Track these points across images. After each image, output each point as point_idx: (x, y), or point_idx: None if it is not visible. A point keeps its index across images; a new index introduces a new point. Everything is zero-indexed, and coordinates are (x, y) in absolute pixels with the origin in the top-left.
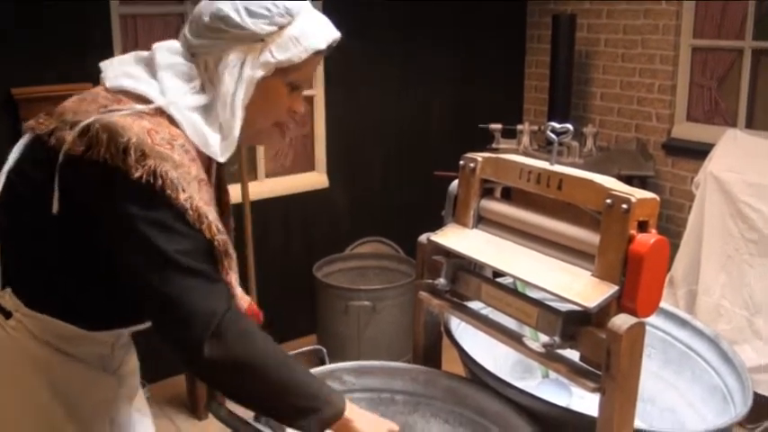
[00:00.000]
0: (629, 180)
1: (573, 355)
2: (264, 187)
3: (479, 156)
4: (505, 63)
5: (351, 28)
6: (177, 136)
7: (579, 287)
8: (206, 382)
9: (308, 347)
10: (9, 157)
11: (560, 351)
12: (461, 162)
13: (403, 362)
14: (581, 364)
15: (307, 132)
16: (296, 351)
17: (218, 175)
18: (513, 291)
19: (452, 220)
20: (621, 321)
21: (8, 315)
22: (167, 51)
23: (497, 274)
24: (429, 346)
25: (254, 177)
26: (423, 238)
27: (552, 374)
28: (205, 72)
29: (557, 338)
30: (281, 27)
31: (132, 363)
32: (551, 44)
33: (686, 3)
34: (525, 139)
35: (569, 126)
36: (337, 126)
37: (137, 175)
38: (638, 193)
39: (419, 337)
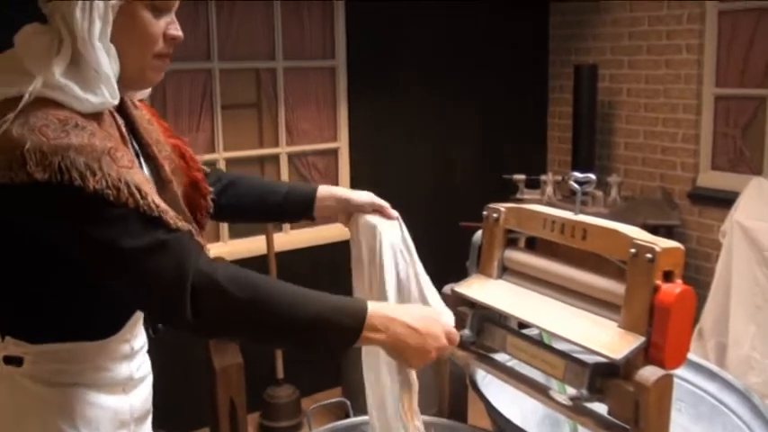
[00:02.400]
0: (654, 230)
1: (601, 408)
2: (290, 239)
3: (503, 206)
4: (528, 114)
5: (376, 80)
6: (67, 118)
7: (605, 338)
8: (215, 338)
9: (333, 400)
10: None
11: (588, 404)
12: (485, 212)
13: (428, 415)
14: (609, 417)
15: (331, 185)
16: (320, 404)
17: (135, 128)
18: (539, 342)
19: (477, 271)
20: (649, 373)
21: (19, 362)
22: (22, 38)
23: (522, 324)
24: (455, 398)
25: (280, 229)
26: (447, 288)
27: (581, 428)
28: (63, 24)
29: (584, 391)
30: None
31: (145, 384)
32: (574, 94)
33: (707, 52)
34: (549, 190)
35: (592, 176)
36: (362, 177)
37: (44, 176)
38: (662, 243)
39: (444, 390)
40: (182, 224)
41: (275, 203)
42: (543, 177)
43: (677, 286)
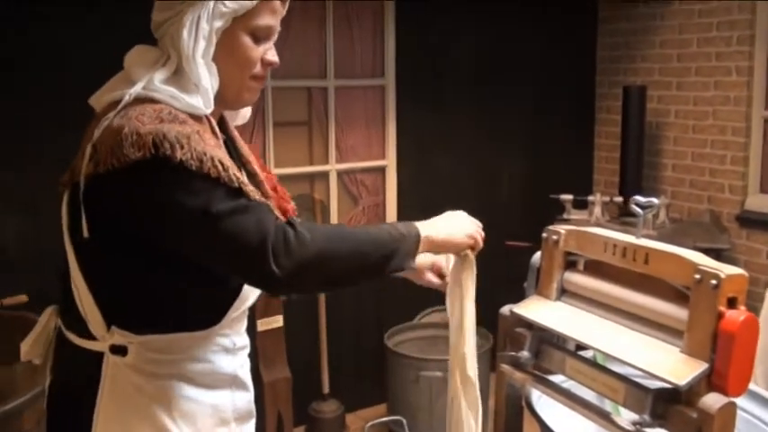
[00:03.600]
0: (704, 253)
1: None
2: None
3: (562, 228)
4: (575, 134)
5: (424, 99)
6: (162, 109)
7: (668, 364)
8: (300, 293)
9: (389, 418)
10: (63, 219)
11: (649, 430)
12: (544, 234)
13: None
14: None
15: (378, 201)
16: (376, 421)
17: (235, 144)
18: (598, 365)
19: (535, 292)
20: (713, 401)
21: (124, 351)
22: (130, 55)
23: (579, 347)
24: (510, 419)
25: None
26: (505, 309)
27: None
28: (171, 45)
29: (646, 416)
30: None
31: (245, 389)
32: (622, 115)
33: (757, 74)
34: (597, 210)
35: (655, 200)
36: (408, 195)
37: (138, 155)
38: (726, 269)
39: (500, 411)
40: (260, 198)
41: None
42: (591, 198)
43: (741, 313)
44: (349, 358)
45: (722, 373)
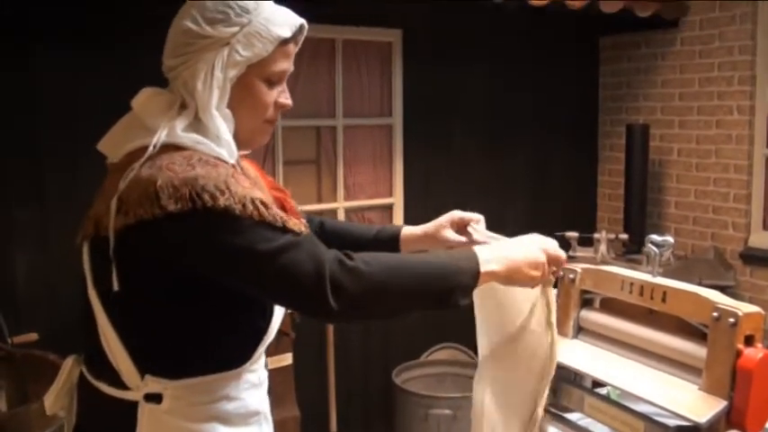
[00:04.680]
0: None
1: None
2: None
3: (579, 266)
4: (579, 171)
5: (430, 138)
6: (190, 155)
7: (688, 401)
8: (356, 321)
9: None
10: (85, 273)
11: None
12: (560, 272)
13: None
14: None
15: None
16: None
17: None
18: (617, 403)
19: None
20: None
21: (159, 398)
22: (139, 99)
23: (596, 384)
24: None
25: None
26: None
27: None
28: (185, 89)
29: None
30: (242, 26)
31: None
32: (625, 153)
33: (758, 114)
34: (602, 248)
35: (670, 239)
36: None
37: (177, 207)
38: (744, 307)
39: None
40: (305, 229)
41: (367, 241)
42: (596, 235)
43: (759, 351)
44: (357, 396)
45: (741, 410)
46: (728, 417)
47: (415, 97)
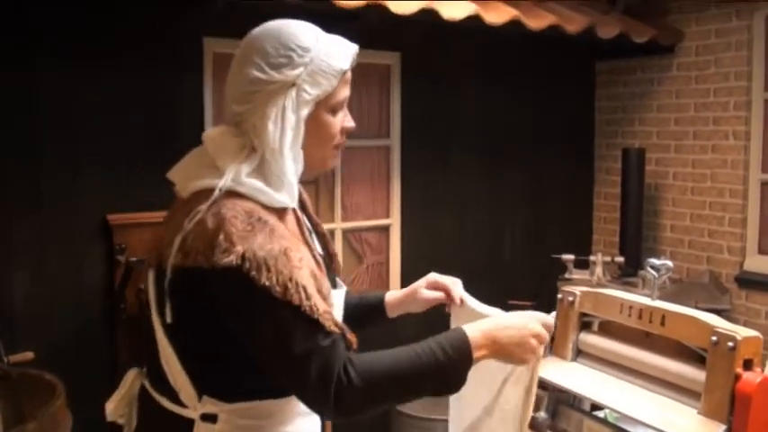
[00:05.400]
0: None
1: None
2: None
3: (578, 289)
4: (575, 194)
5: (428, 160)
6: (252, 211)
7: (686, 425)
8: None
9: None
10: (150, 296)
11: None
12: (559, 295)
13: None
14: None
15: (382, 259)
16: None
17: (305, 211)
18: (615, 426)
19: (550, 353)
20: None
21: (214, 419)
22: (214, 139)
23: (594, 407)
24: None
25: None
26: None
27: None
28: (253, 133)
29: None
30: (306, 65)
31: None
32: (621, 177)
33: (753, 139)
34: (598, 270)
35: (669, 263)
36: (412, 253)
37: (227, 260)
38: (742, 331)
39: None
40: (336, 327)
41: (353, 308)
42: (592, 258)
43: (758, 375)
44: (354, 418)
45: None
46: None
47: (413, 119)
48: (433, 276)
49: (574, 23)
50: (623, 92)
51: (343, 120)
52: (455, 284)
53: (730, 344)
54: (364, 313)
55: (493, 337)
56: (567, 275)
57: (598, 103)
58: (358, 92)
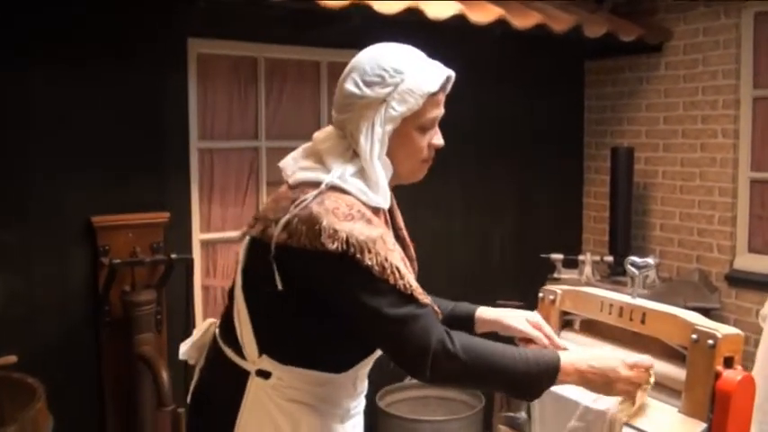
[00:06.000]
0: None
1: None
2: None
3: (559, 288)
4: (564, 194)
5: None
6: (352, 204)
7: (667, 423)
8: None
9: None
10: (240, 258)
11: None
12: (540, 294)
13: None
14: None
15: None
16: None
17: (393, 214)
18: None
19: None
20: None
21: (267, 375)
22: (322, 138)
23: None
24: None
25: None
26: None
27: None
28: (351, 139)
29: None
30: (396, 85)
31: (359, 417)
32: (611, 176)
33: (742, 137)
34: (587, 270)
35: (650, 261)
36: None
37: (333, 247)
38: (723, 329)
39: None
40: (428, 300)
41: (445, 317)
42: (581, 257)
43: (738, 373)
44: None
45: None
46: None
47: None
48: (536, 318)
49: (560, 23)
50: (612, 91)
51: (432, 137)
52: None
53: (710, 341)
54: (454, 322)
55: (580, 371)
56: (555, 275)
57: (587, 102)
58: None
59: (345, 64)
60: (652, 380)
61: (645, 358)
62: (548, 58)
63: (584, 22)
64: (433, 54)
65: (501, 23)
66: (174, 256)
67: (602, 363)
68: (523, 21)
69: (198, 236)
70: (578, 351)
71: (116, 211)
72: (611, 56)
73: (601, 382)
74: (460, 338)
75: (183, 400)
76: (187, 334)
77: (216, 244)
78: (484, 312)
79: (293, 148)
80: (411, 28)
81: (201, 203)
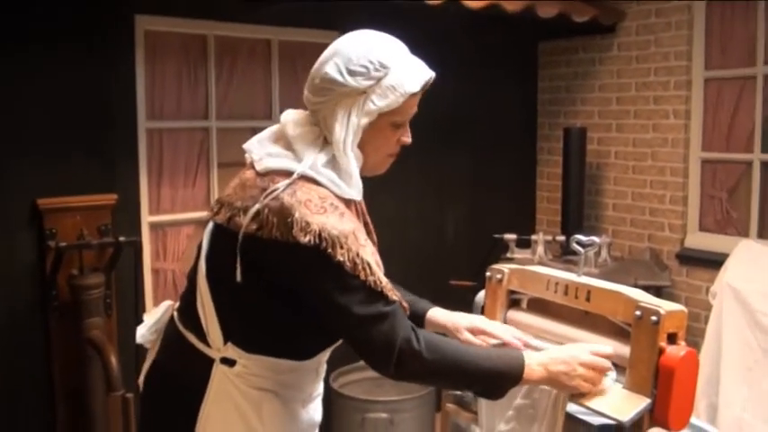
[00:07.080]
0: (645, 290)
1: None
2: None
3: (506, 267)
4: (517, 174)
5: None
6: (325, 196)
7: (611, 400)
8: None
9: None
10: (203, 244)
11: None
12: (488, 273)
13: None
14: None
15: None
16: None
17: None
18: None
19: None
20: None
21: (232, 363)
22: (293, 123)
23: None
24: None
25: None
26: None
27: None
28: (324, 124)
29: None
30: (379, 79)
31: (319, 399)
32: (563, 156)
33: (694, 118)
34: (540, 249)
35: (596, 239)
36: None
37: (305, 240)
38: (666, 305)
39: None
40: (396, 297)
41: None
42: (534, 237)
43: (682, 348)
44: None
45: (663, 408)
46: (651, 414)
47: None
48: (480, 324)
49: (513, 3)
50: (565, 72)
51: (402, 134)
52: (505, 332)
53: (654, 318)
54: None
55: (545, 366)
56: (509, 255)
57: (540, 83)
58: (295, 71)
59: (296, 43)
60: (613, 374)
61: (606, 349)
62: (501, 38)
63: (536, 3)
64: (385, 32)
65: (453, 2)
66: (122, 238)
67: (563, 352)
68: (476, 0)
69: (147, 218)
70: (547, 351)
71: (62, 193)
72: (564, 37)
73: (564, 369)
74: (426, 337)
75: (133, 384)
76: (138, 318)
77: (165, 226)
78: (433, 315)
79: (244, 129)
80: (362, 6)
81: (150, 185)
